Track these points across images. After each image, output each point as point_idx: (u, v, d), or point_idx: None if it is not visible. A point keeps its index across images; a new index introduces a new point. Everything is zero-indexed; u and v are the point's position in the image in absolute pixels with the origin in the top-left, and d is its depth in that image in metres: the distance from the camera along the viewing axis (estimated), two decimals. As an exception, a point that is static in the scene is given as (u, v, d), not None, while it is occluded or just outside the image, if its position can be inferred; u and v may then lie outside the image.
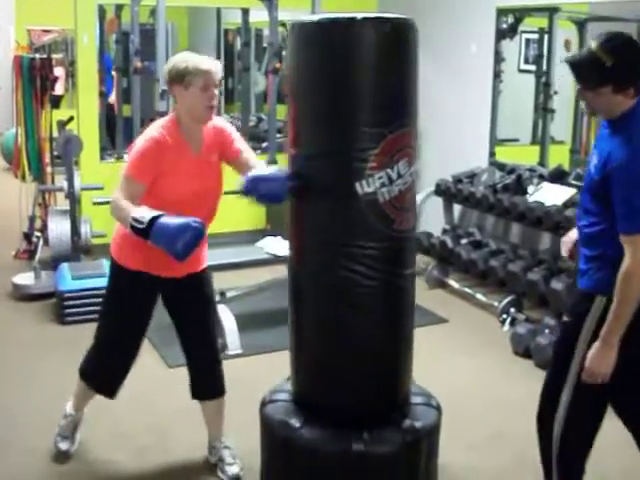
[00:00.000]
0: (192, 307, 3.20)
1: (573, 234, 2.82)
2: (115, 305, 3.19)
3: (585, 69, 2.42)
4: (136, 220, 2.69)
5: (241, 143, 3.11)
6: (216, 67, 2.92)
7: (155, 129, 2.96)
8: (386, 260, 2.77)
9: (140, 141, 2.95)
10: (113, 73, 8.59)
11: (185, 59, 2.92)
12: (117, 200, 2.82)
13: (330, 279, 2.78)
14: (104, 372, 3.27)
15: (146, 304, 3.17)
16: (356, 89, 2.66)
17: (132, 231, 2.72)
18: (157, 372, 4.27)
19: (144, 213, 2.70)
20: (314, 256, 2.84)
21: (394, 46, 2.69)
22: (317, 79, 2.72)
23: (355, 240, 2.73)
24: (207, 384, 3.26)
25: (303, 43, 2.74)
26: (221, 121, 3.15)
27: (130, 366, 3.24)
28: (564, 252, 2.90)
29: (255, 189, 2.78)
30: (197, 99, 2.88)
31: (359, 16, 2.62)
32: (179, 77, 2.88)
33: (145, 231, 2.66)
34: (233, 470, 3.28)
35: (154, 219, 2.66)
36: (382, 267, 2.76)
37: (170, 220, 2.66)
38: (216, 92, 2.91)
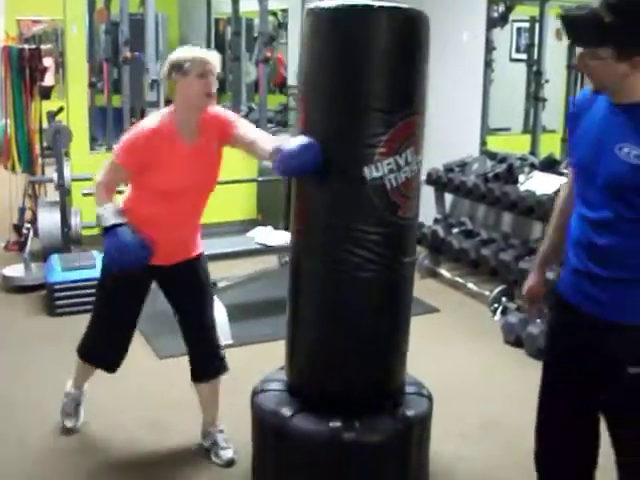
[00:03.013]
0: (185, 293, 3.24)
1: (535, 278, 2.50)
2: (109, 292, 3.22)
3: (581, 25, 2.04)
4: (99, 217, 2.97)
5: (243, 125, 3.11)
6: (213, 57, 2.98)
7: (153, 118, 3.04)
8: (388, 246, 2.77)
9: (135, 127, 3.04)
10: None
11: (184, 50, 3.01)
12: (99, 185, 3.02)
13: (331, 262, 2.78)
14: (104, 347, 3.32)
15: (138, 292, 3.23)
16: (369, 75, 2.67)
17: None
18: (148, 364, 4.26)
19: (109, 216, 2.95)
20: (317, 238, 2.83)
21: (408, 35, 2.71)
22: (331, 64, 2.72)
23: (359, 224, 2.73)
24: (202, 367, 3.29)
25: (318, 28, 2.74)
26: (218, 108, 3.17)
27: (129, 338, 3.28)
28: (532, 307, 2.57)
29: (288, 166, 2.74)
30: (195, 86, 2.93)
31: (375, 4, 2.64)
32: (178, 65, 2.94)
33: (103, 230, 2.97)
34: (227, 454, 3.32)
35: (113, 226, 2.94)
36: (384, 252, 2.76)
37: (122, 234, 2.93)
38: (214, 81, 2.96)
